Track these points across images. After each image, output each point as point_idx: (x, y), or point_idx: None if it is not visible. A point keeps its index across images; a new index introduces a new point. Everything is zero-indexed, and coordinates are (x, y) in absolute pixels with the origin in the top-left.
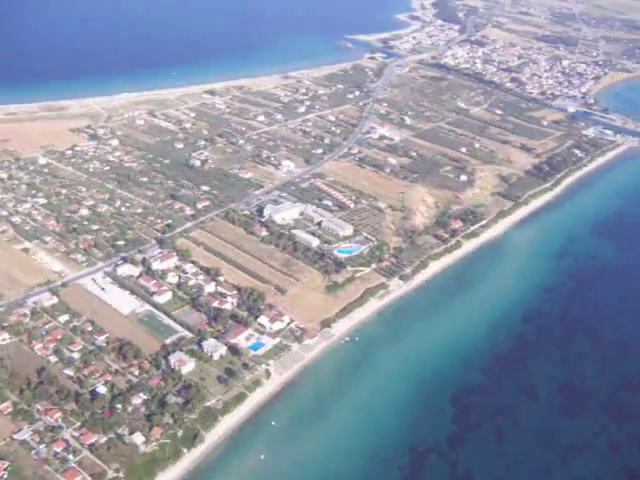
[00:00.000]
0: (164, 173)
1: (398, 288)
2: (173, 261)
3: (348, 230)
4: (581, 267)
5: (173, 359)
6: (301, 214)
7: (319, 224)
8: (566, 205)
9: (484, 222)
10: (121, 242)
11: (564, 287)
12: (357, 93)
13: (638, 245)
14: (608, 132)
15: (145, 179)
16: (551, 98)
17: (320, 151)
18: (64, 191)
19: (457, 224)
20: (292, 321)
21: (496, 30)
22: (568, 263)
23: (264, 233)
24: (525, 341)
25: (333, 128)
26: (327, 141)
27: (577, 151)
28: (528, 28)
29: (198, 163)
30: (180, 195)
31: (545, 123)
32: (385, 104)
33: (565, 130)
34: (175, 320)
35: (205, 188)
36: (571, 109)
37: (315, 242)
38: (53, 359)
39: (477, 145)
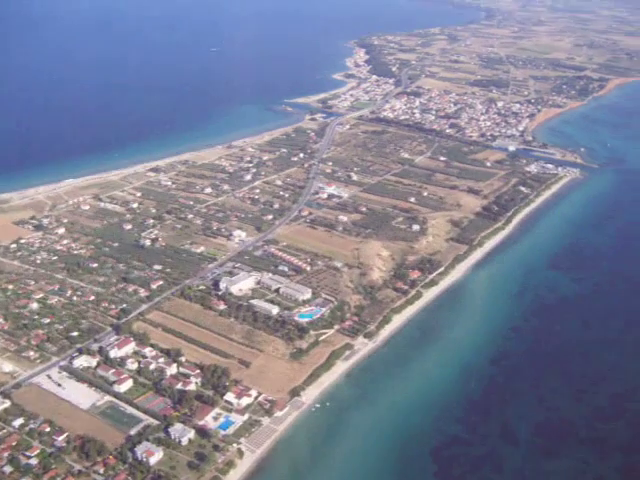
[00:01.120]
0: (114, 257)
1: (364, 347)
2: (131, 347)
3: (307, 294)
4: (542, 301)
5: (140, 450)
6: (258, 283)
7: (277, 291)
8: (519, 242)
9: (442, 269)
10: (75, 333)
11: (528, 324)
12: (301, 155)
13: (592, 274)
14: (550, 166)
15: (95, 265)
16: (491, 139)
17: (271, 217)
18: (11, 286)
19: (415, 274)
20: (260, 394)
21: (430, 80)
22: (529, 299)
23: (222, 307)
24: (497, 383)
25: (281, 192)
26: (277, 206)
27: (523, 188)
28: (460, 75)
29: (148, 243)
30: (133, 277)
31: (489, 164)
32: (330, 163)
33: (508, 169)
34: (138, 408)
35: (158, 267)
36: (511, 148)
37: (275, 310)
38: (8, 469)
39: (425, 193)
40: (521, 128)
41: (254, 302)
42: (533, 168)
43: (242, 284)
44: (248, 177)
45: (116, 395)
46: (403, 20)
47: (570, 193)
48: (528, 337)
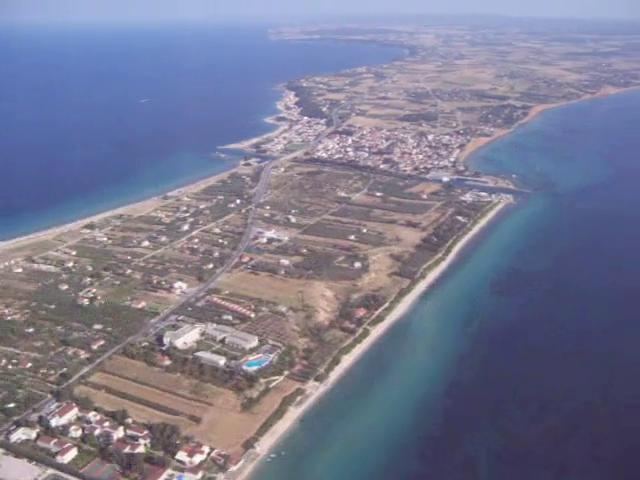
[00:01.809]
0: (51, 319)
1: (315, 390)
2: (74, 413)
3: (253, 341)
4: (488, 328)
5: None
6: (202, 334)
7: (223, 341)
8: (461, 271)
9: (387, 304)
10: (11, 405)
11: (477, 352)
12: (238, 201)
13: (533, 296)
14: (484, 194)
15: (31, 330)
16: (425, 172)
17: (211, 266)
18: None
19: (361, 312)
20: (212, 450)
21: (361, 117)
22: (475, 326)
23: (167, 362)
24: (452, 415)
25: (220, 240)
26: (216, 254)
27: (459, 217)
28: (390, 111)
29: (87, 302)
30: (72, 339)
31: (424, 196)
32: (268, 207)
33: (444, 199)
34: (84, 479)
35: (98, 327)
36: (445, 179)
37: (222, 361)
38: None
39: (365, 230)
40: (453, 159)
41: (200, 354)
42: (468, 197)
43: (186, 337)
44: (186, 227)
45: (59, 467)
46: (330, 61)
47: (505, 219)
48: (478, 365)
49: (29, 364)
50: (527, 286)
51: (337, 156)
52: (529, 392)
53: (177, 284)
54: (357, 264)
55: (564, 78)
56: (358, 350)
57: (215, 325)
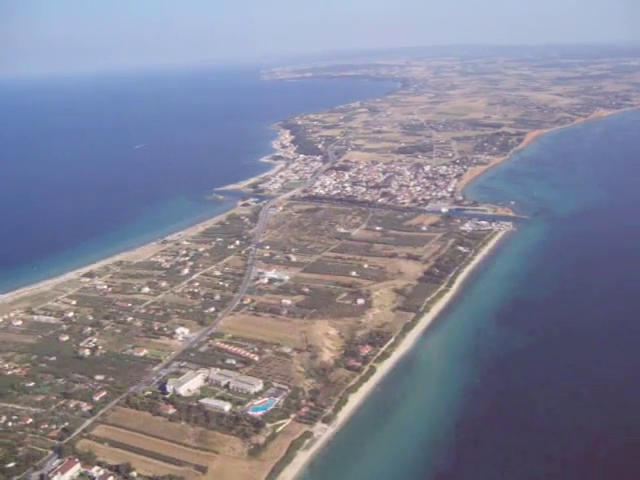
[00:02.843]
0: (52, 372)
1: (323, 432)
2: (76, 469)
3: (258, 385)
4: (496, 358)
5: None
6: (206, 380)
7: (227, 386)
8: (465, 301)
9: (392, 340)
10: (12, 464)
11: (486, 383)
12: (238, 242)
13: (539, 325)
14: (483, 223)
15: (32, 384)
16: (423, 203)
17: (212, 309)
18: None
19: (366, 349)
20: None
21: (356, 152)
22: (483, 358)
23: (171, 411)
24: (465, 452)
25: (221, 283)
26: (217, 297)
27: (461, 247)
28: (385, 144)
29: (88, 352)
30: (73, 392)
31: (424, 228)
32: (267, 247)
33: (444, 230)
34: None
35: (100, 377)
36: (444, 209)
37: (227, 407)
38: None
39: (366, 265)
40: (450, 189)
41: (204, 401)
42: (468, 227)
43: (190, 384)
44: (186, 271)
45: None
46: (324, 98)
47: (507, 246)
48: (488, 398)
49: (30, 420)
50: (533, 314)
51: (335, 192)
52: (542, 425)
53: (179, 330)
54: (360, 300)
55: (556, 103)
56: (365, 388)
57: (219, 370)
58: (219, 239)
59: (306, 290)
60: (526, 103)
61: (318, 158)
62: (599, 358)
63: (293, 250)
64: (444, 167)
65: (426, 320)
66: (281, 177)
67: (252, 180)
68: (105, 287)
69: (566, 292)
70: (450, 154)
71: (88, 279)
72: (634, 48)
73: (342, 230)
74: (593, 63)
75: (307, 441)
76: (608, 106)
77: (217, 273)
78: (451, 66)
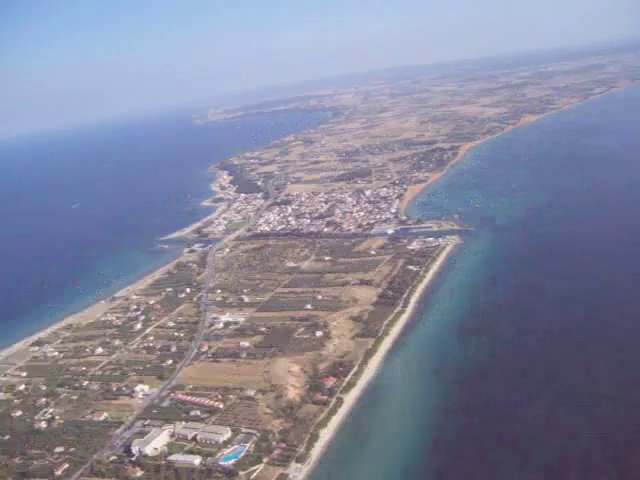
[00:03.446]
0: (6, 452)
1: (299, 473)
2: None
3: (226, 433)
4: (462, 372)
5: None
6: (172, 436)
7: (195, 439)
8: (423, 319)
9: (355, 369)
10: None
11: (455, 399)
12: (188, 290)
13: (499, 332)
14: (430, 239)
15: None
16: (368, 228)
17: (170, 362)
18: None
19: (331, 382)
20: None
21: (297, 185)
22: (449, 373)
23: (139, 473)
24: (444, 473)
25: (176, 333)
26: (174, 349)
27: (411, 267)
28: (324, 174)
29: (44, 425)
30: (32, 470)
31: (373, 252)
32: (219, 290)
33: (392, 252)
34: None
35: (60, 449)
36: (390, 231)
37: (197, 460)
38: None
39: (320, 297)
40: (393, 210)
41: (173, 458)
42: (415, 245)
43: (156, 442)
44: (138, 326)
45: None
46: (259, 135)
47: (456, 259)
48: (460, 414)
49: None
50: (491, 323)
51: (280, 227)
52: (517, 436)
53: (138, 387)
54: (318, 333)
55: (485, 114)
56: (335, 422)
57: (184, 423)
58: (169, 289)
59: (263, 329)
60: (456, 117)
61: (259, 195)
62: (559, 361)
63: (245, 291)
64: (384, 189)
65: (387, 344)
66: (224, 219)
67: (195, 225)
68: (56, 353)
69: (520, 298)
70: (389, 176)
71: (37, 348)
72: (549, 54)
73: (292, 264)
74: (514, 72)
75: None
76: (533, 111)
77: (171, 324)
78: (379, 90)
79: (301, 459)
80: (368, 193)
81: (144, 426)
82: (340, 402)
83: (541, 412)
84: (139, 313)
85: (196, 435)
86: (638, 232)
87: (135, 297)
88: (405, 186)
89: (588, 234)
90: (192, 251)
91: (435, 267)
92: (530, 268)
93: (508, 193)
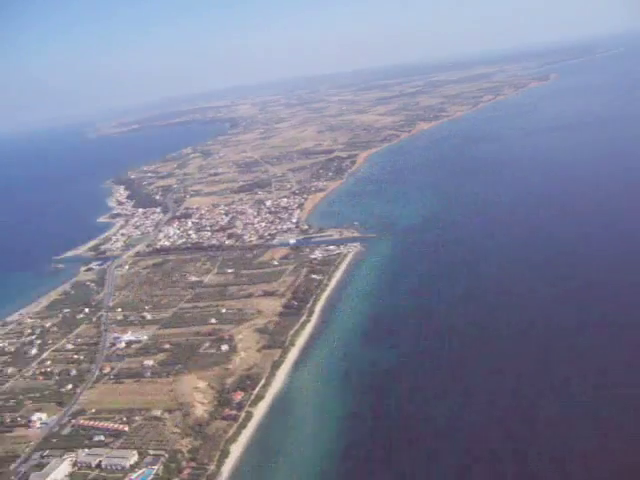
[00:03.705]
0: None
1: None
2: None
3: (133, 457)
4: (368, 379)
5: None
6: (74, 465)
7: (99, 466)
8: (328, 328)
9: (263, 381)
10: None
11: (363, 405)
12: (87, 310)
13: (403, 338)
14: (332, 248)
15: None
16: (270, 238)
17: (70, 386)
18: None
19: (239, 396)
20: None
21: (196, 198)
22: (355, 381)
23: None
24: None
25: (75, 356)
26: (74, 372)
27: (314, 276)
28: (223, 186)
29: None
30: None
31: (275, 262)
32: (119, 309)
33: (295, 262)
34: None
35: None
36: (292, 241)
37: None
38: None
39: (224, 310)
40: (295, 220)
41: None
42: (318, 254)
43: (55, 474)
44: (34, 351)
45: None
46: (155, 148)
47: (358, 266)
48: (368, 419)
49: None
50: (395, 329)
51: (180, 241)
52: (424, 436)
53: (35, 416)
54: (224, 347)
55: (381, 122)
56: (245, 436)
57: (87, 450)
58: (66, 310)
59: (167, 347)
60: (352, 126)
61: (158, 210)
62: (461, 360)
63: (147, 308)
64: (285, 199)
65: (293, 354)
66: (122, 235)
67: (92, 243)
68: None
69: (421, 301)
70: (289, 185)
71: None
72: (440, 64)
73: (194, 279)
74: (407, 82)
75: None
76: (427, 119)
77: (69, 346)
78: (276, 100)
79: (212, 477)
80: (269, 203)
81: (42, 457)
82: (249, 416)
83: (447, 412)
84: (34, 337)
85: (100, 461)
86: (525, 231)
87: (29, 320)
88: (305, 195)
89: (481, 236)
90: (89, 269)
91: (338, 275)
92: (429, 271)
93: (406, 199)
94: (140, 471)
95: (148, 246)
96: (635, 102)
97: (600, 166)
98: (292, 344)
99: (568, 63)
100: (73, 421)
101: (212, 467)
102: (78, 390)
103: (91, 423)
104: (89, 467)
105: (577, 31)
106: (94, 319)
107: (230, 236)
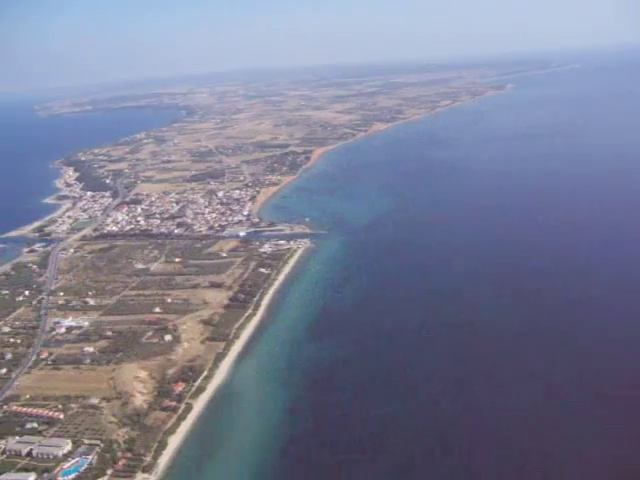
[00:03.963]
0: None
1: None
2: None
3: (66, 446)
4: (311, 376)
5: None
6: (3, 453)
7: (30, 454)
8: (274, 322)
9: (205, 373)
10: None
11: (305, 401)
12: (27, 293)
13: (349, 334)
14: (282, 242)
15: None
16: (220, 230)
17: (4, 371)
18: None
19: (180, 387)
20: None
21: (147, 184)
22: (297, 377)
23: None
24: (293, 471)
25: (12, 339)
26: (9, 356)
27: (263, 269)
28: (175, 174)
29: None
30: None
31: (224, 254)
32: (62, 293)
33: (244, 254)
34: None
35: None
36: (242, 233)
37: (31, 478)
38: None
39: (169, 300)
40: (246, 212)
41: (3, 477)
42: (267, 248)
43: None
44: None
45: None
46: (107, 131)
47: (307, 262)
48: (309, 416)
49: None
50: (339, 325)
51: (128, 227)
52: (363, 434)
53: None
54: (167, 337)
55: (337, 120)
56: (184, 428)
57: (18, 438)
58: (5, 292)
59: (109, 334)
60: (309, 122)
61: (107, 194)
62: (402, 360)
63: (90, 293)
64: (237, 191)
65: (237, 347)
66: (69, 217)
67: (36, 224)
68: None
69: (368, 298)
70: (242, 177)
71: None
72: (400, 66)
73: (140, 266)
74: (365, 81)
75: None
76: (384, 120)
77: (6, 329)
78: (234, 91)
79: (148, 468)
80: (221, 194)
81: None
82: (189, 407)
83: (387, 412)
84: None
85: (31, 450)
86: (477, 233)
87: None
88: (258, 188)
89: (431, 235)
90: (32, 251)
91: (287, 270)
92: (377, 270)
93: (358, 197)
94: (73, 460)
95: (95, 230)
96: (585, 114)
97: (548, 172)
98: (237, 337)
99: (524, 75)
100: (5, 407)
101: (149, 458)
102: (13, 375)
103: (24, 410)
104: (19, 455)
105: (532, 45)
106: (34, 302)
107: (180, 225)
